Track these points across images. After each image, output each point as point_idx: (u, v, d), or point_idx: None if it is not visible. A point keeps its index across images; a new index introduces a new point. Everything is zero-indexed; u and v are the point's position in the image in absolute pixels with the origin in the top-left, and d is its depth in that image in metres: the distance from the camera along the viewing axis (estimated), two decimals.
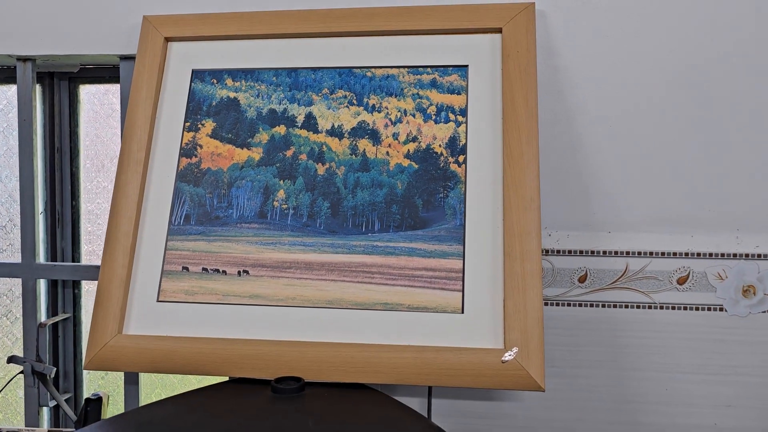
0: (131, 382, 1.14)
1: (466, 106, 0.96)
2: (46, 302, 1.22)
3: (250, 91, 1.01)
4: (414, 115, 0.97)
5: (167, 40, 1.04)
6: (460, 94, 0.97)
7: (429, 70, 0.98)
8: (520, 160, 0.91)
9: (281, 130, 0.99)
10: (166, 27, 1.04)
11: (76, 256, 1.25)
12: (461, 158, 0.94)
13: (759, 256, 0.98)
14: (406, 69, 0.99)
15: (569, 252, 1.01)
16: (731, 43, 0.97)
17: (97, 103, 1.25)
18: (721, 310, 0.99)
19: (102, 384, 1.27)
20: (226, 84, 1.02)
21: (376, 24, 1.00)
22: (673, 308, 0.99)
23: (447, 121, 0.96)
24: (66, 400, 1.22)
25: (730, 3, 0.97)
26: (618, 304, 1.00)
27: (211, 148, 1.00)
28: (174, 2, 1.07)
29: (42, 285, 1.20)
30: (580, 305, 1.01)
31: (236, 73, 1.02)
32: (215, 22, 1.04)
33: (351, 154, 0.97)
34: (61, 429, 1.16)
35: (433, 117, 0.97)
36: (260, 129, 1.00)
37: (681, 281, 0.99)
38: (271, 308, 0.91)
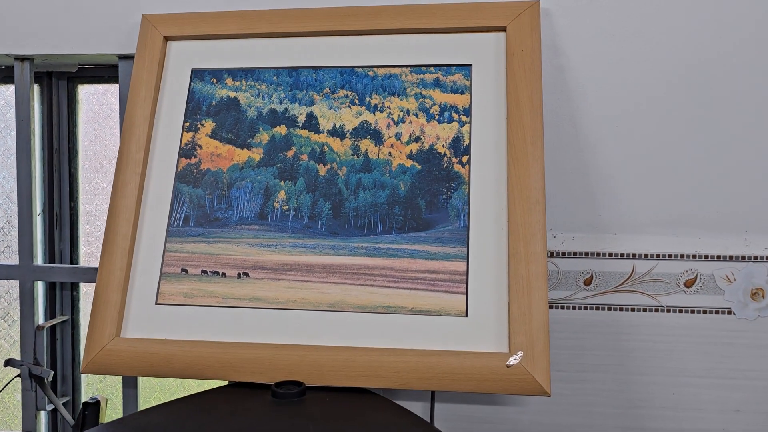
0: (130, 385, 1.12)
1: (470, 105, 0.94)
2: (44, 304, 1.20)
3: (251, 91, 1.00)
4: (417, 115, 0.96)
5: (166, 39, 1.03)
6: (463, 93, 0.95)
7: (432, 69, 0.97)
8: (524, 161, 0.89)
9: (282, 130, 0.98)
10: (166, 26, 1.03)
11: (74, 257, 1.24)
12: (465, 159, 0.92)
13: None
14: (409, 68, 0.98)
15: (574, 254, 0.99)
16: (737, 41, 0.96)
17: (96, 103, 1.24)
18: (729, 313, 0.97)
19: (100, 387, 1.26)
20: (226, 83, 1.01)
21: (379, 22, 0.99)
22: (681, 311, 0.98)
23: (450, 121, 0.95)
24: (64, 404, 1.21)
25: (734, 1, 0.95)
26: (624, 307, 0.99)
27: (210, 148, 0.99)
28: (173, 1, 1.06)
29: (40, 287, 1.18)
30: (585, 308, 0.99)
31: (236, 73, 1.01)
32: (215, 20, 1.02)
33: (353, 155, 0.95)
34: None
35: (437, 117, 0.95)
36: (261, 129, 0.98)
37: (688, 284, 0.97)
38: (272, 311, 0.89)
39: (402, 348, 0.85)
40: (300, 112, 0.98)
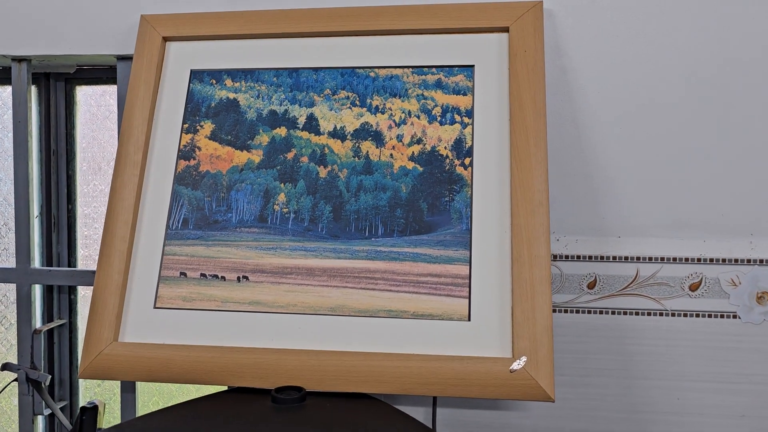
0: (128, 390, 1.11)
1: (473, 107, 0.93)
2: (41, 308, 1.19)
3: (250, 92, 0.99)
4: (419, 117, 0.95)
5: (165, 39, 1.02)
6: (466, 94, 0.94)
7: (434, 70, 0.96)
8: (527, 163, 0.88)
9: (282, 131, 0.97)
10: (164, 26, 1.02)
11: (72, 260, 1.22)
12: (467, 161, 0.91)
13: None
14: (411, 69, 0.97)
15: (578, 257, 0.98)
16: (742, 42, 0.95)
17: (94, 105, 1.23)
18: (734, 317, 0.96)
19: (98, 392, 1.24)
20: (225, 84, 1.00)
21: (380, 23, 0.98)
22: (685, 315, 0.97)
23: (453, 122, 0.93)
24: (61, 409, 1.20)
25: (738, 2, 0.94)
26: (628, 311, 0.97)
27: (210, 150, 0.97)
28: (172, 1, 1.05)
29: (37, 290, 1.17)
30: (589, 312, 0.98)
31: (236, 74, 1.00)
32: (214, 21, 1.01)
33: (354, 157, 0.94)
34: None
35: (439, 118, 0.94)
36: (260, 131, 0.97)
37: (693, 287, 0.96)
38: (272, 315, 0.88)
39: (404, 353, 0.84)
40: (300, 114, 0.97)
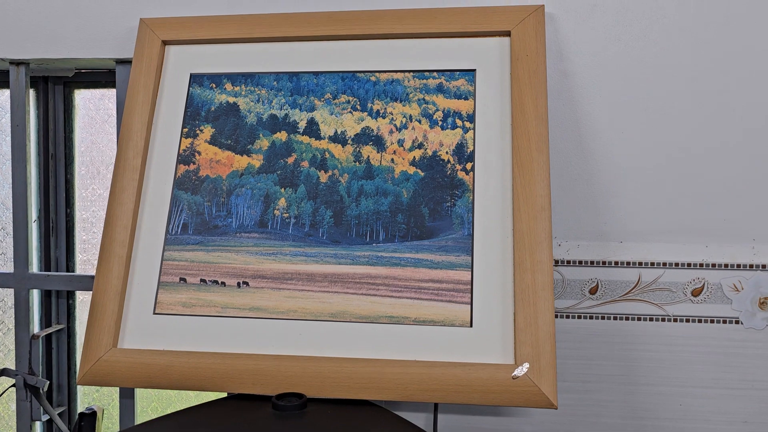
0: (127, 396, 1.10)
1: (474, 111, 0.93)
2: (39, 313, 1.18)
3: (250, 96, 0.98)
4: (420, 121, 0.94)
5: (165, 43, 1.01)
6: (467, 99, 0.94)
7: (435, 74, 0.95)
8: (530, 167, 0.88)
9: (282, 136, 0.96)
10: (164, 30, 1.01)
11: (70, 265, 1.22)
12: (469, 165, 0.91)
13: None
14: (412, 73, 0.96)
15: (580, 262, 0.98)
16: (745, 47, 0.94)
17: (93, 109, 1.22)
18: (737, 322, 0.95)
19: (97, 397, 1.24)
20: (225, 89, 0.99)
21: (380, 27, 0.97)
22: (688, 321, 0.96)
23: (454, 127, 0.93)
24: (59, 414, 1.19)
25: (743, 4, 0.94)
26: (630, 316, 0.97)
27: (209, 154, 0.97)
28: (172, 5, 1.04)
29: (35, 295, 1.16)
30: (591, 317, 0.98)
31: (236, 78, 0.99)
32: (214, 25, 1.01)
33: (355, 161, 0.94)
34: None
35: (440, 123, 0.94)
36: (260, 135, 0.97)
37: (695, 293, 0.96)
38: (272, 321, 0.88)
39: (405, 359, 0.83)
40: (301, 118, 0.97)
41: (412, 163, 0.93)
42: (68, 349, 1.21)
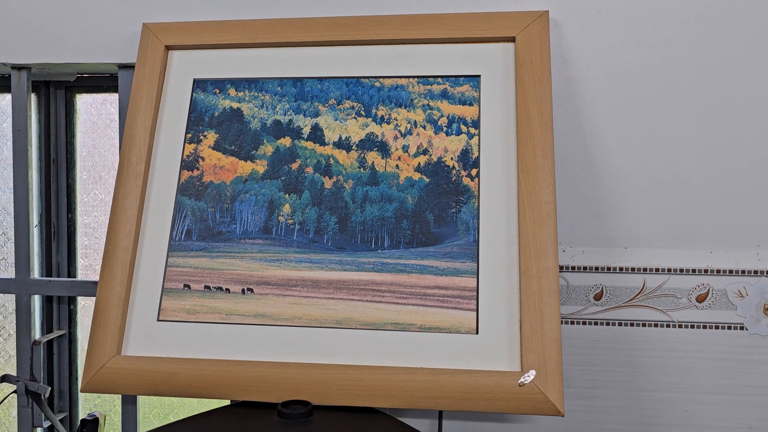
0: (129, 402, 1.09)
1: (479, 117, 0.93)
2: (41, 319, 1.18)
3: (254, 102, 0.98)
4: (424, 127, 0.94)
5: (168, 48, 1.01)
6: (472, 105, 0.93)
7: (440, 80, 0.95)
8: (535, 174, 0.88)
9: (286, 142, 0.96)
10: (167, 35, 1.01)
11: (71, 270, 1.21)
12: (474, 171, 0.91)
13: None
14: (416, 79, 0.96)
15: (584, 268, 0.98)
16: (750, 53, 0.94)
17: (95, 113, 1.21)
18: (741, 328, 0.95)
19: (98, 403, 1.23)
20: (228, 94, 0.99)
21: (384, 32, 0.97)
22: (692, 327, 0.96)
23: (459, 133, 0.93)
24: (61, 421, 1.18)
25: (746, 10, 0.94)
26: (635, 322, 0.97)
27: (213, 160, 0.96)
28: (175, 10, 1.04)
29: (36, 301, 1.15)
30: (596, 323, 0.98)
31: (239, 83, 0.99)
32: (218, 30, 1.00)
33: (359, 167, 0.93)
34: None
35: (445, 129, 0.93)
36: (264, 141, 0.96)
37: (700, 299, 0.96)
38: (277, 328, 0.87)
39: (411, 366, 0.83)
40: (305, 124, 0.96)
41: (417, 169, 0.92)
42: (69, 354, 1.20)
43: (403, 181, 0.92)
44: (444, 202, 0.90)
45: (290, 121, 0.97)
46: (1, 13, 1.08)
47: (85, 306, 1.21)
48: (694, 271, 0.96)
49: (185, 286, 0.91)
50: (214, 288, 0.90)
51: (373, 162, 0.93)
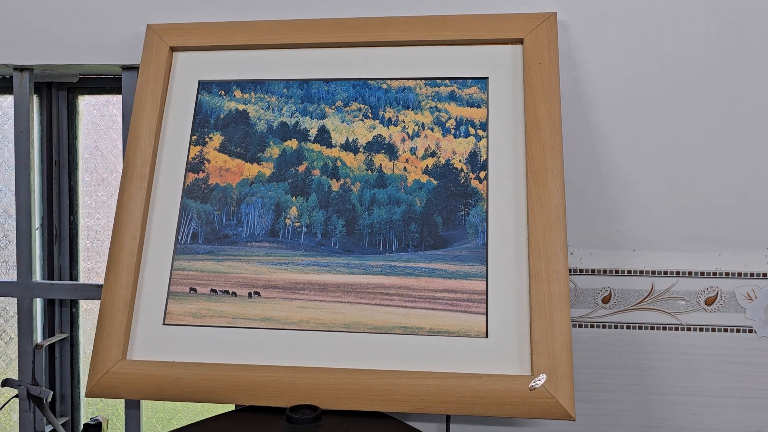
0: (132, 406, 1.08)
1: (487, 119, 0.92)
2: (43, 322, 1.17)
3: (260, 104, 0.97)
4: (432, 129, 0.93)
5: (172, 49, 1.00)
6: (480, 107, 0.93)
7: (447, 82, 0.95)
8: (544, 176, 0.87)
9: (293, 144, 0.95)
10: (172, 36, 1.00)
11: (74, 273, 1.20)
12: (482, 174, 0.90)
13: None
14: (424, 81, 0.95)
15: (592, 271, 0.97)
16: (759, 56, 0.94)
17: (97, 115, 1.20)
18: (750, 331, 0.95)
19: (101, 407, 1.22)
20: (234, 96, 0.98)
21: (392, 34, 0.96)
22: (701, 330, 0.96)
23: (467, 135, 0.92)
24: (63, 425, 1.17)
25: (757, 11, 0.94)
26: (643, 325, 0.96)
27: (219, 162, 0.96)
28: (178, 11, 1.03)
29: (38, 304, 1.14)
30: (604, 327, 0.97)
31: (245, 85, 0.98)
32: (223, 31, 1.00)
33: (367, 170, 0.93)
34: None
35: (453, 131, 0.93)
36: (271, 143, 0.96)
37: (709, 302, 0.95)
38: (284, 332, 0.86)
39: (420, 371, 0.82)
40: (311, 126, 0.96)
41: (425, 171, 0.92)
42: (71, 358, 1.19)
43: (411, 184, 0.91)
44: (452, 204, 0.90)
45: (297, 123, 0.96)
46: (3, 13, 1.07)
47: (87, 309, 1.20)
48: (702, 273, 0.96)
49: (191, 289, 0.90)
50: (221, 291, 0.90)
51: (380, 164, 0.93)
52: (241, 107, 0.97)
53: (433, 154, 0.92)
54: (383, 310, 0.86)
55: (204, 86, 0.99)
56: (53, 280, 1.18)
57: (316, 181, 0.93)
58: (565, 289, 0.82)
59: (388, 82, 0.96)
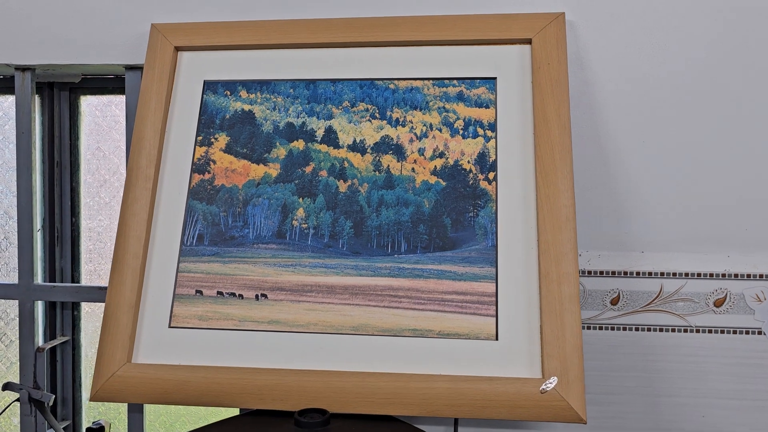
0: (135, 410, 1.07)
1: (496, 120, 0.91)
2: (44, 325, 1.15)
3: (266, 104, 0.96)
4: (440, 130, 0.93)
5: (177, 49, 0.99)
6: (488, 107, 0.92)
7: (455, 82, 0.94)
8: (553, 177, 0.86)
9: (300, 144, 0.94)
10: (176, 36, 0.99)
11: (75, 276, 1.19)
12: (491, 175, 0.89)
13: None
14: (431, 81, 0.94)
15: (601, 273, 0.97)
16: (765, 56, 0.94)
17: (99, 115, 1.19)
18: (759, 333, 0.95)
19: (103, 411, 1.21)
20: (240, 96, 0.97)
21: (399, 34, 0.95)
22: (710, 331, 0.95)
23: (475, 135, 0.91)
24: (65, 429, 1.16)
25: (765, 11, 0.93)
26: (652, 327, 0.96)
27: (225, 163, 0.95)
28: (183, 10, 1.02)
29: (39, 307, 1.13)
30: (612, 329, 0.96)
31: (251, 85, 0.97)
32: (228, 30, 0.99)
33: (374, 171, 0.92)
34: None
35: (461, 131, 0.92)
36: (277, 144, 0.95)
37: (718, 303, 0.95)
38: (292, 335, 0.86)
39: (430, 374, 0.82)
40: (318, 126, 0.95)
41: (434, 172, 0.91)
42: (73, 361, 1.18)
43: (420, 185, 0.91)
44: (461, 206, 0.89)
45: (303, 123, 0.95)
46: (5, 13, 1.06)
47: (89, 312, 1.19)
48: (711, 275, 0.95)
49: (197, 291, 0.89)
50: (227, 294, 0.89)
51: (388, 165, 0.92)
52: (247, 107, 0.96)
53: (441, 155, 0.92)
54: (392, 312, 0.85)
55: (209, 86, 0.98)
56: (55, 282, 1.16)
57: (324, 182, 0.92)
58: (575, 290, 0.82)
59: (396, 82, 0.95)
